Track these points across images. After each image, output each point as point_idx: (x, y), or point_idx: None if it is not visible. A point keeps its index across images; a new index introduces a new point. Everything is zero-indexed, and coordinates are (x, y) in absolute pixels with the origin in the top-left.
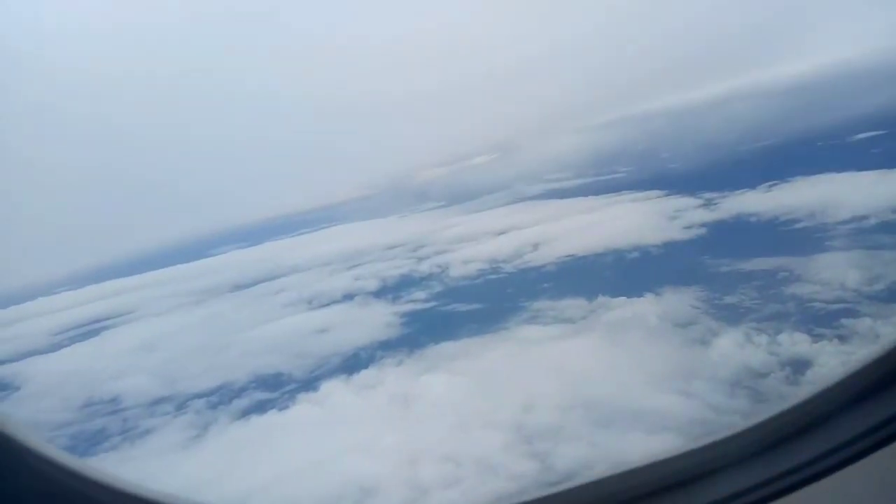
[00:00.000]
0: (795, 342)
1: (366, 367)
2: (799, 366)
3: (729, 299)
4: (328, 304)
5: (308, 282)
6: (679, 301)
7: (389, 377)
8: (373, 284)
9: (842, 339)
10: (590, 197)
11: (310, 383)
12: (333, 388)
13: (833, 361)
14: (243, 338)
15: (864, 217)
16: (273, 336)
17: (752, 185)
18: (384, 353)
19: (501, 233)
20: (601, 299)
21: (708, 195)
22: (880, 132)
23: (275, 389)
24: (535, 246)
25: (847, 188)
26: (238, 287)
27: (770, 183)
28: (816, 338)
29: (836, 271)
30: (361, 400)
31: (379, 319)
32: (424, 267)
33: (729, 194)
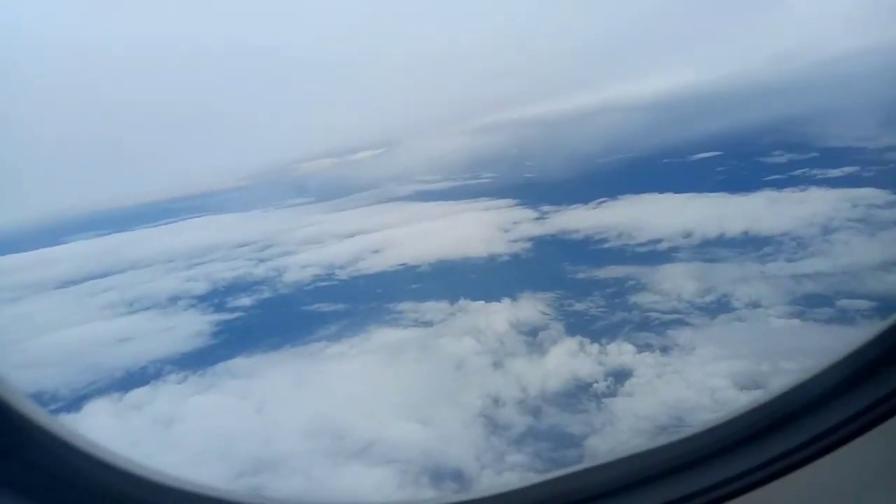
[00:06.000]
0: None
1: (145, 384)
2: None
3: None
4: (147, 308)
5: (138, 281)
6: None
7: (161, 397)
8: (202, 287)
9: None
10: (448, 202)
11: (75, 403)
12: (97, 409)
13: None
14: (35, 344)
15: (658, 240)
16: (69, 343)
17: (585, 200)
18: (173, 368)
19: (349, 236)
20: (407, 305)
21: (546, 208)
22: (716, 153)
23: None
24: (375, 252)
25: (659, 210)
26: (67, 283)
27: (600, 200)
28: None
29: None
30: (120, 423)
31: (191, 328)
32: (261, 270)
33: (563, 209)
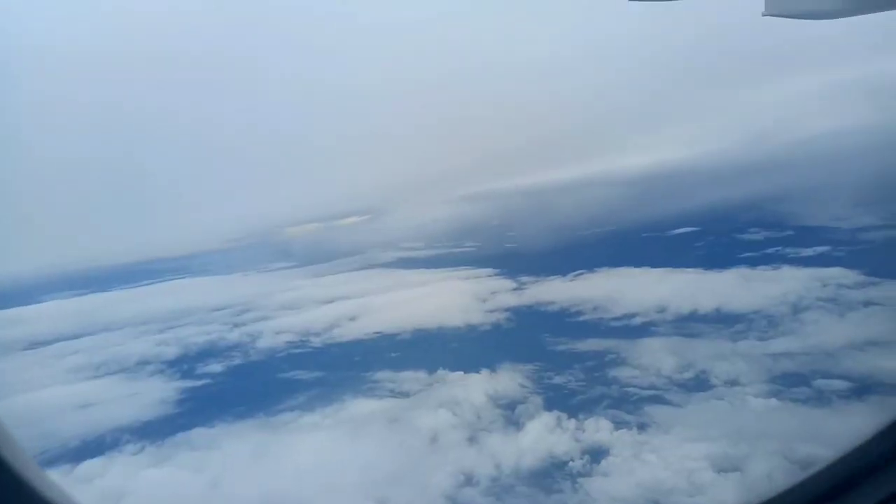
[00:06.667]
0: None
1: (100, 454)
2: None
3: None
4: (114, 373)
5: (109, 343)
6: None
7: (115, 469)
8: (173, 352)
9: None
10: (430, 270)
11: None
12: None
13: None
14: None
15: (633, 315)
16: (26, 409)
17: (563, 272)
18: (131, 438)
19: (327, 302)
20: (384, 374)
21: (524, 278)
22: (694, 229)
23: None
24: (352, 319)
25: (634, 284)
26: (36, 344)
27: (578, 272)
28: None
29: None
30: None
31: (156, 394)
32: (235, 335)
33: (541, 280)
